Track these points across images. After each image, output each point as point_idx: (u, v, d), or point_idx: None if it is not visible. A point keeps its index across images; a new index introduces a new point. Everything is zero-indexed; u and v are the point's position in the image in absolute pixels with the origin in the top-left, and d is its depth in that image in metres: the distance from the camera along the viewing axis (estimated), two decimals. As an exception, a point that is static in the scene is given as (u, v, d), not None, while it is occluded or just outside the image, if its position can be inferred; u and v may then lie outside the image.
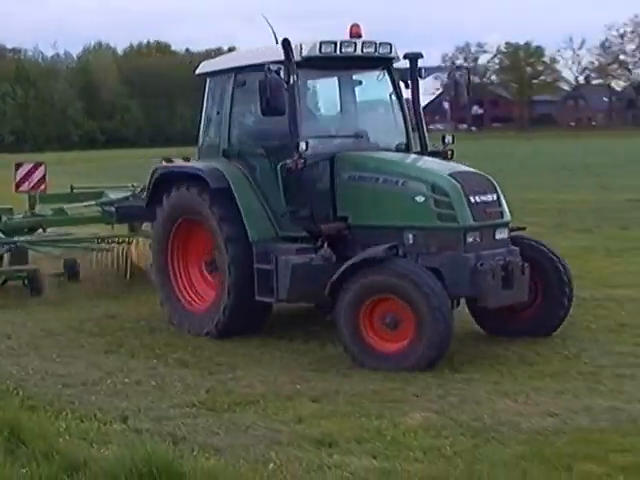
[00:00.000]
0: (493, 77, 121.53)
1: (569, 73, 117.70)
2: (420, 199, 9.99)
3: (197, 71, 12.33)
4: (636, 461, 6.50)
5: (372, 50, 11.09)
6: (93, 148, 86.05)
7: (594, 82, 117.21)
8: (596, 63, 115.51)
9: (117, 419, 7.95)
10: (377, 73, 11.56)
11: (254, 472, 6.51)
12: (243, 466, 6.65)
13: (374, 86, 11.69)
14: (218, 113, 11.81)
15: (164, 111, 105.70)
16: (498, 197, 10.20)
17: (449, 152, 11.53)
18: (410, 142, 11.61)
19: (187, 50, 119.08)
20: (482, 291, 9.64)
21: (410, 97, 11.79)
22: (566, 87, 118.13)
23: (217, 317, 11.12)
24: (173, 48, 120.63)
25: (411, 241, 10.02)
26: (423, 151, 11.59)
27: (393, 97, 11.64)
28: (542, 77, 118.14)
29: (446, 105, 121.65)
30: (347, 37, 10.97)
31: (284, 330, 11.37)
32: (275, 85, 10.12)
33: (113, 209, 14.82)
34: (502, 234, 10.19)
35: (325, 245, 10.37)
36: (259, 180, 11.14)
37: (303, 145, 10.33)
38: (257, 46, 11.94)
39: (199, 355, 10.41)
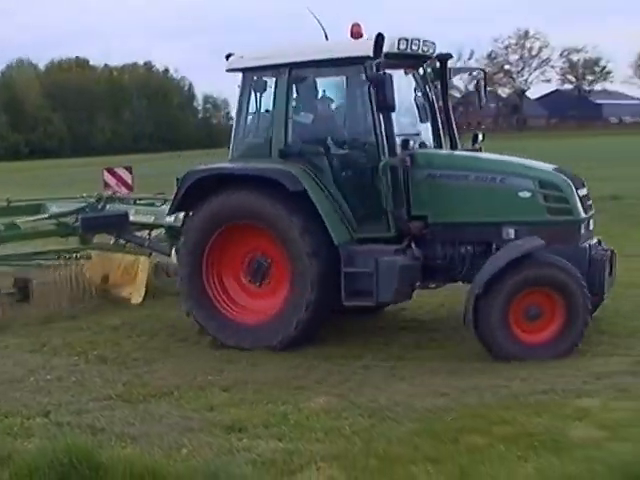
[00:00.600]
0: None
1: (459, 81, 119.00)
2: (525, 194, 9.70)
3: (229, 67, 10.69)
4: (515, 431, 6.66)
5: (427, 49, 10.63)
6: (18, 159, 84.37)
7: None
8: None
9: (40, 414, 7.87)
10: (420, 72, 11.00)
11: (168, 458, 6.52)
12: (157, 453, 6.63)
13: (417, 85, 11.05)
14: (267, 111, 10.56)
15: (85, 123, 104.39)
16: (588, 190, 10.17)
17: (480, 149, 11.02)
18: (441, 140, 11.06)
19: (105, 65, 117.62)
20: (598, 279, 9.59)
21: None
22: (457, 94, 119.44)
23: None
24: (92, 63, 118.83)
25: (512, 235, 9.66)
26: (454, 149, 11.05)
27: (430, 96, 11.06)
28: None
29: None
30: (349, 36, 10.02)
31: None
32: (386, 81, 9.36)
33: (69, 221, 13.59)
34: (591, 225, 10.18)
35: (413, 245, 9.84)
36: (327, 180, 10.03)
37: (411, 142, 10.05)
38: (306, 41, 10.75)
39: (118, 351, 10.32)
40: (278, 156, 10.22)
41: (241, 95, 10.66)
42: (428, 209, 9.96)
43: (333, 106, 10.83)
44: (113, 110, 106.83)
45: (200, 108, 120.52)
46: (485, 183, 9.84)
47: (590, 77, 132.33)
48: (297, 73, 10.25)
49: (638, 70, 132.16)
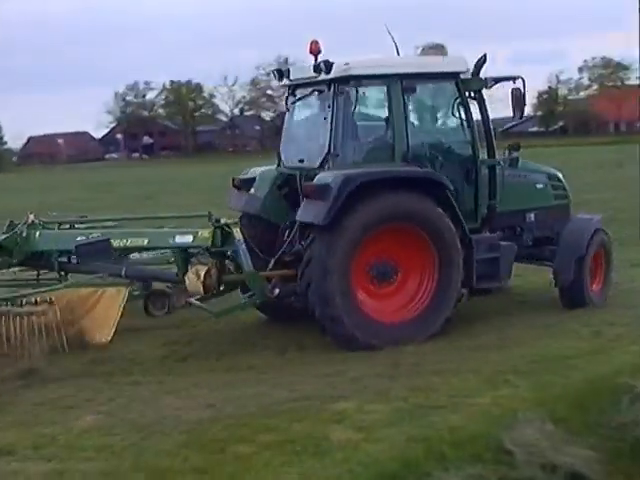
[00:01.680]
0: (160, 110, 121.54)
1: (225, 106, 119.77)
2: (540, 186, 12.05)
3: (335, 75, 10.39)
4: (279, 438, 6.69)
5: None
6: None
7: (247, 113, 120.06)
8: (248, 97, 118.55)
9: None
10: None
11: None
12: None
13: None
14: (388, 119, 10.59)
15: None
16: None
17: (515, 160, 11.92)
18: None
19: None
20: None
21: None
22: (224, 118, 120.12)
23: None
24: None
25: (532, 219, 11.91)
26: (492, 157, 11.49)
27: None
28: (203, 110, 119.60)
29: (119, 136, 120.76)
30: (308, 53, 10.81)
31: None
32: (522, 93, 11.20)
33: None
34: None
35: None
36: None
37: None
38: (408, 55, 11.78)
39: None
40: (401, 160, 10.52)
41: (340, 103, 10.46)
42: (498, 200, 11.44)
43: (437, 114, 11.90)
44: None
45: None
46: (521, 179, 11.90)
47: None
48: (407, 83, 10.67)
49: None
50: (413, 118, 11.09)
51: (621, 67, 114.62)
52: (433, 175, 10.44)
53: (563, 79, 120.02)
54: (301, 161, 11.12)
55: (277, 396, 7.98)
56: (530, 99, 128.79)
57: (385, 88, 10.67)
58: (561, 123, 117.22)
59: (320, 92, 10.98)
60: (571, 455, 6.45)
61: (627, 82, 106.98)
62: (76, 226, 12.77)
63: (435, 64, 11.00)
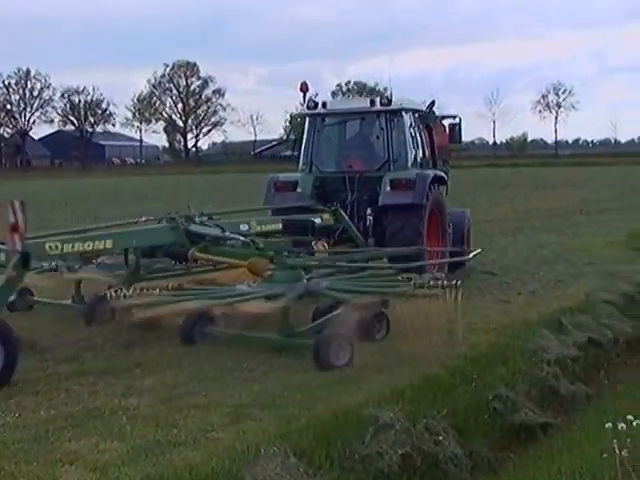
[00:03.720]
0: None
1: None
2: None
3: (393, 107, 15.36)
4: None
5: None
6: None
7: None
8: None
9: None
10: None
11: None
12: None
13: None
14: (413, 138, 15.72)
15: None
16: None
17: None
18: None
19: None
20: None
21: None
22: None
23: None
24: None
25: None
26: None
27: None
28: None
29: None
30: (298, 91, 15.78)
31: None
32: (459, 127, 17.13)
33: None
34: None
35: None
36: None
37: None
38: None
39: None
40: (412, 166, 15.61)
41: (394, 126, 15.51)
42: None
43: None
44: None
45: None
46: None
47: (92, 119, 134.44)
48: (417, 115, 16.23)
49: (138, 113, 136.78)
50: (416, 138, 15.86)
51: (376, 93, 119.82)
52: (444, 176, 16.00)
53: None
54: (350, 167, 15.50)
55: (2, 435, 7.57)
56: (284, 122, 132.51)
57: (412, 118, 15.68)
58: None
59: (364, 118, 15.82)
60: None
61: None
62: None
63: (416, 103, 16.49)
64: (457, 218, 16.71)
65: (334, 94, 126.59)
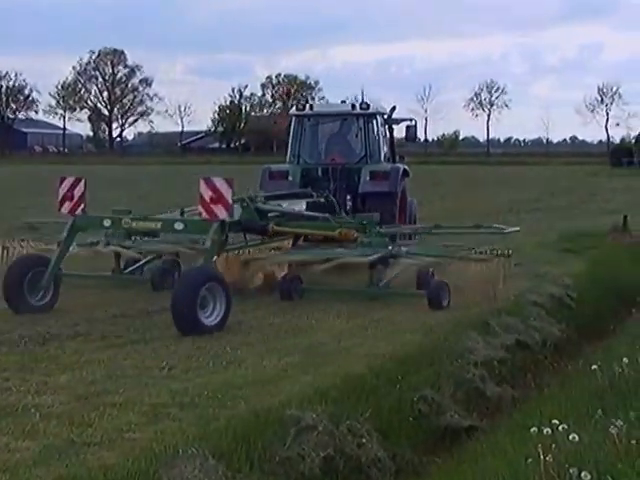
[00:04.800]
0: None
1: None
2: None
3: (370, 111, 18.68)
4: None
5: None
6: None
7: None
8: None
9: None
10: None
11: None
12: None
13: None
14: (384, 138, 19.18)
15: None
16: None
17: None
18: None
19: None
20: None
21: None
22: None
23: None
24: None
25: None
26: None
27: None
28: None
29: None
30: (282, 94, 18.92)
31: None
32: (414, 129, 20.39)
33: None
34: None
35: None
36: None
37: None
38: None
39: None
40: (385, 160, 19.01)
41: (370, 127, 18.69)
42: None
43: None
44: None
45: None
46: None
47: (14, 105, 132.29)
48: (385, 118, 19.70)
49: (62, 100, 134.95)
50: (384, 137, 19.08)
51: (307, 86, 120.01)
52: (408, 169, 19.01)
53: (247, 95, 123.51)
54: (332, 160, 18.35)
55: None
56: (212, 114, 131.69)
57: (382, 120, 18.84)
58: (243, 140, 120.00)
59: (345, 120, 18.97)
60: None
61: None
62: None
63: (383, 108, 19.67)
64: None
65: (264, 86, 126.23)
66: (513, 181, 54.76)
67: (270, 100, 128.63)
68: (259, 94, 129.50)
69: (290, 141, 18.87)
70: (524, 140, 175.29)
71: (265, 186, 17.80)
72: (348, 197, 17.83)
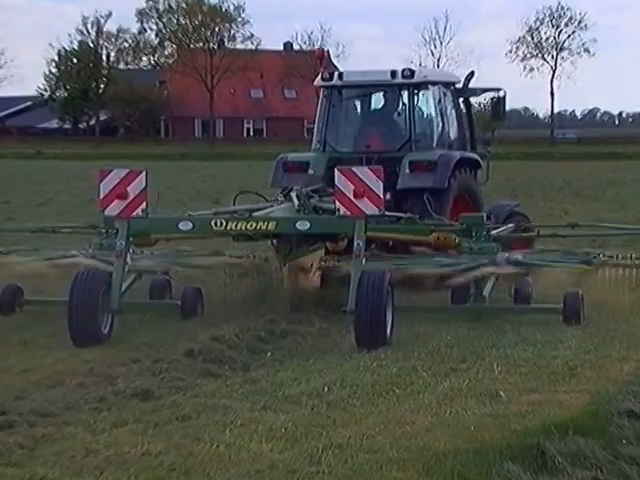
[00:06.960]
0: None
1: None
2: None
3: (416, 80, 14.50)
4: None
5: None
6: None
7: None
8: None
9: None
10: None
11: None
12: None
13: None
14: (442, 116, 14.97)
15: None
16: None
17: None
18: None
19: None
20: None
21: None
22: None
23: None
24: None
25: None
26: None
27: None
28: None
29: None
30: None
31: None
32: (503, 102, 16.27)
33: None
34: None
35: None
36: None
37: None
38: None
39: None
40: (440, 146, 14.72)
41: (417, 102, 14.68)
42: None
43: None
44: None
45: None
46: None
47: None
48: (453, 89, 15.53)
49: None
50: (446, 115, 15.05)
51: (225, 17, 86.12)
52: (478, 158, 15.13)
53: (110, 30, 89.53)
54: (367, 147, 14.54)
55: None
56: (47, 67, 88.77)
57: (441, 92, 14.86)
58: (104, 116, 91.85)
59: (385, 93, 15.00)
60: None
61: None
62: None
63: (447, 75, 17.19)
64: (499, 211, 15.11)
65: (142, 15, 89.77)
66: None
67: (155, 40, 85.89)
68: (134, 29, 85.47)
69: (316, 122, 15.15)
70: (620, 114, 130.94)
71: (278, 181, 14.51)
72: (388, 196, 13.20)
